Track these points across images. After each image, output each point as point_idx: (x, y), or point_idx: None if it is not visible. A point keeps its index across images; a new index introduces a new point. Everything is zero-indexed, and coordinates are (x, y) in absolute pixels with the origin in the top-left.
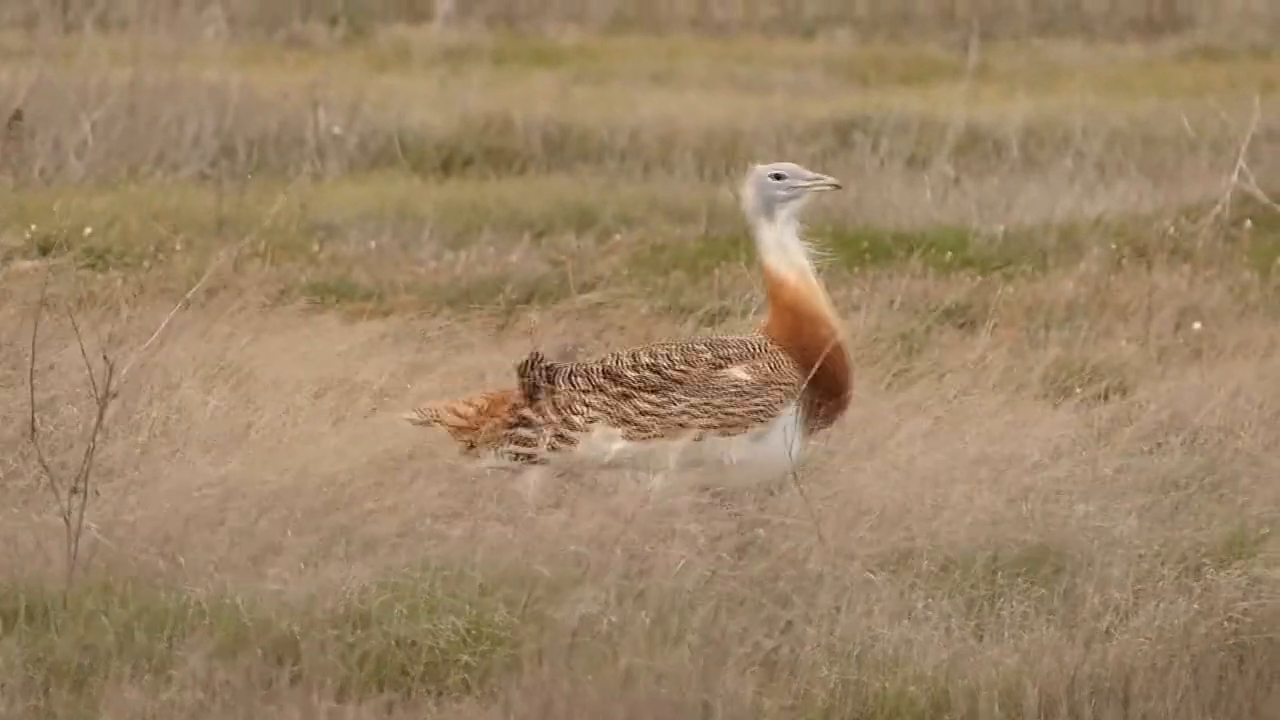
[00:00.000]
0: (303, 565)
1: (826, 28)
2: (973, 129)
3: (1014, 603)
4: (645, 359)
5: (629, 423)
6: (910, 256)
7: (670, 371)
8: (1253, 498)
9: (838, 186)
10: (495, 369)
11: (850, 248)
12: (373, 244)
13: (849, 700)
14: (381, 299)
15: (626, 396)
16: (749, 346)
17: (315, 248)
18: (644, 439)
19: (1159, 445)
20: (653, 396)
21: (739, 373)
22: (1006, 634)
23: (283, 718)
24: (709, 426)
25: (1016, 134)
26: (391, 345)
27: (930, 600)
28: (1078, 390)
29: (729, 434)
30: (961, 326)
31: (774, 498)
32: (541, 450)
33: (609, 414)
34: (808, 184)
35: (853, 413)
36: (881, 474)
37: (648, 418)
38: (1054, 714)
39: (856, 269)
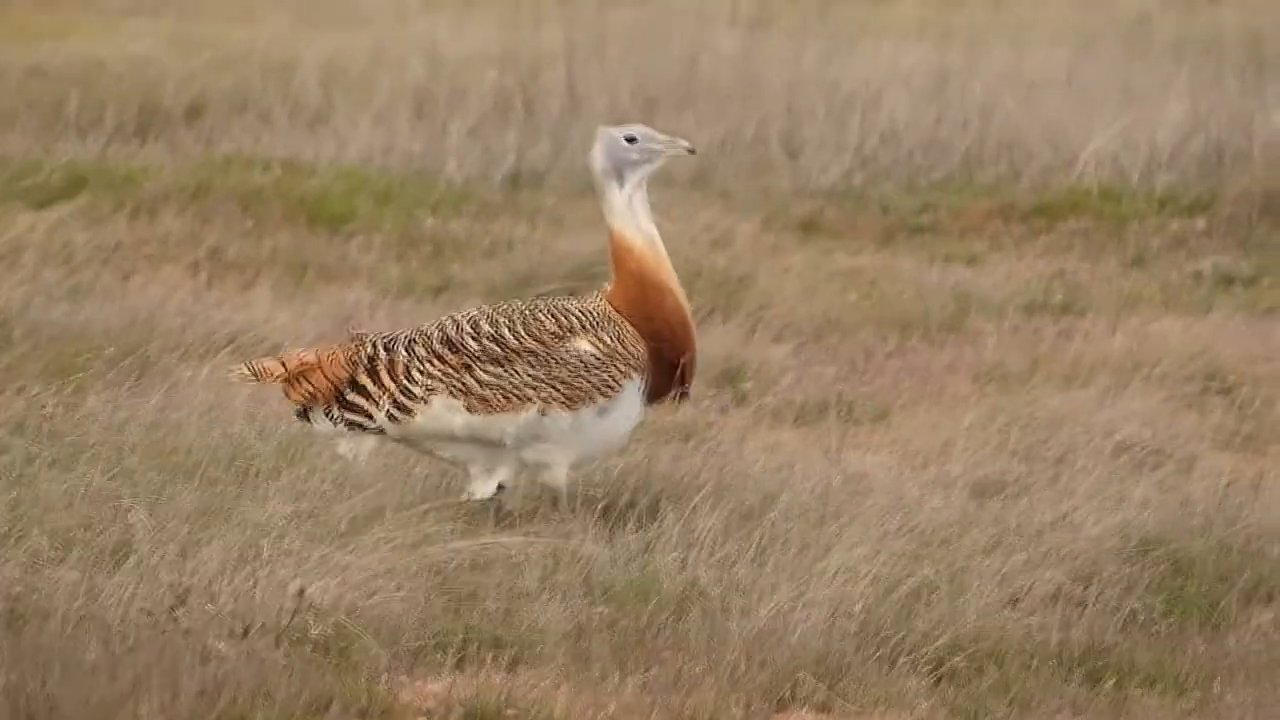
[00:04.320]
0: None
1: None
2: None
3: None
4: (487, 328)
5: (470, 394)
6: None
7: (513, 342)
8: None
9: (692, 151)
10: None
11: None
12: None
13: None
14: None
15: (468, 367)
16: (593, 316)
17: None
18: (486, 411)
19: None
20: (495, 368)
21: (583, 344)
22: None
23: None
24: (552, 399)
25: None
26: None
27: None
28: None
29: (573, 407)
30: None
31: None
32: (379, 419)
33: (449, 384)
34: (661, 147)
35: None
36: None
37: (489, 389)
38: None
39: None
